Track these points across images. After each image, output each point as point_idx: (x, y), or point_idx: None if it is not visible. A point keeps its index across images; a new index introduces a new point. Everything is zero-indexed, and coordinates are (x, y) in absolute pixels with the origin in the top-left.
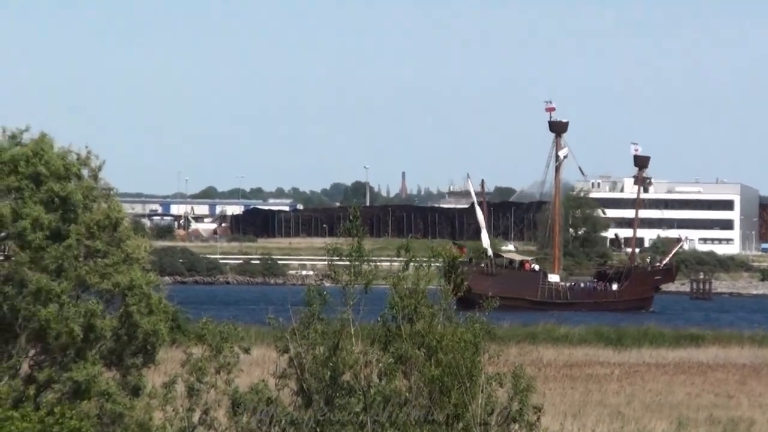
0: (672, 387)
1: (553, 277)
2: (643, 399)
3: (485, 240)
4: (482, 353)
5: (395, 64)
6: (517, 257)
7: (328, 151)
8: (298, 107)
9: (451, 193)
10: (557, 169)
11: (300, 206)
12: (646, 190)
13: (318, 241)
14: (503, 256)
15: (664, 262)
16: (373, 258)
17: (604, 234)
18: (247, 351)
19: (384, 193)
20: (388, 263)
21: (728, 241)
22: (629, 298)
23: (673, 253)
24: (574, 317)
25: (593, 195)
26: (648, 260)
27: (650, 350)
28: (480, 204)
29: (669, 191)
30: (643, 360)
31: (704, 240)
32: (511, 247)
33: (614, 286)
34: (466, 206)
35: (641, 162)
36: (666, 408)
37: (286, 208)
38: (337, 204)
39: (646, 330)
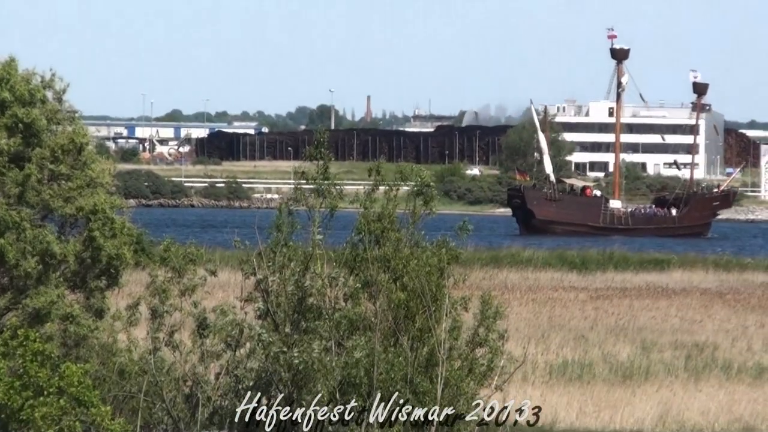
0: (636, 311)
1: (615, 203)
2: (608, 323)
3: (548, 166)
4: (447, 277)
5: None
6: (579, 183)
7: (294, 74)
8: (263, 30)
9: (416, 117)
10: (619, 95)
11: (265, 129)
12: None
13: (283, 165)
14: (565, 182)
15: (722, 188)
16: (339, 182)
17: (569, 158)
18: (213, 273)
19: (349, 117)
20: (353, 187)
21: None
22: (689, 224)
23: (731, 178)
24: (637, 242)
25: (558, 119)
26: (705, 186)
27: (615, 274)
28: (542, 130)
29: (634, 115)
30: (608, 284)
31: (669, 164)
32: (476, 171)
33: (673, 212)
34: (431, 130)
35: (700, 89)
36: (630, 332)
37: (251, 132)
38: (302, 127)
39: (610, 254)
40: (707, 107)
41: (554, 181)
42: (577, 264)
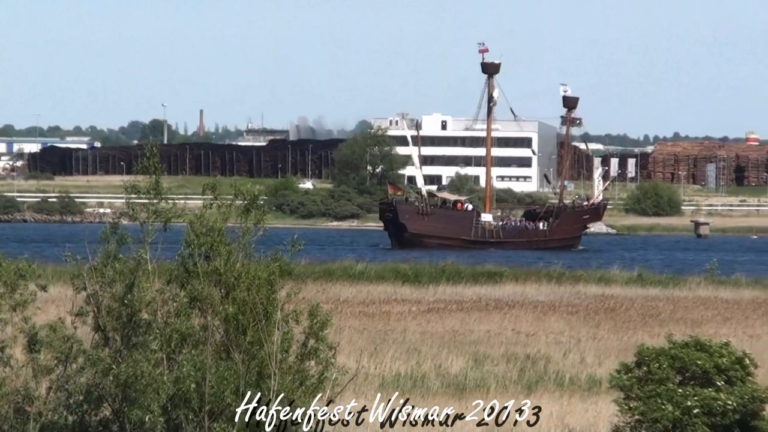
0: (469, 324)
1: (486, 217)
2: (441, 336)
3: (419, 180)
4: (278, 291)
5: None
6: (451, 197)
7: (126, 89)
8: (94, 44)
9: (249, 131)
10: (490, 110)
11: (98, 144)
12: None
13: (116, 179)
14: (437, 196)
15: (592, 201)
16: (171, 196)
17: (401, 171)
18: (44, 288)
19: (182, 131)
20: (184, 201)
21: (526, 178)
22: (559, 237)
23: (601, 190)
24: (508, 256)
25: (391, 133)
26: (575, 199)
27: (447, 287)
28: (415, 144)
29: (467, 128)
30: (441, 297)
31: (502, 177)
32: (309, 184)
33: (541, 225)
34: (264, 144)
35: (570, 103)
36: (463, 345)
37: (84, 146)
38: (135, 142)
39: (443, 267)
40: (577, 121)
41: (426, 194)
42: (409, 277)
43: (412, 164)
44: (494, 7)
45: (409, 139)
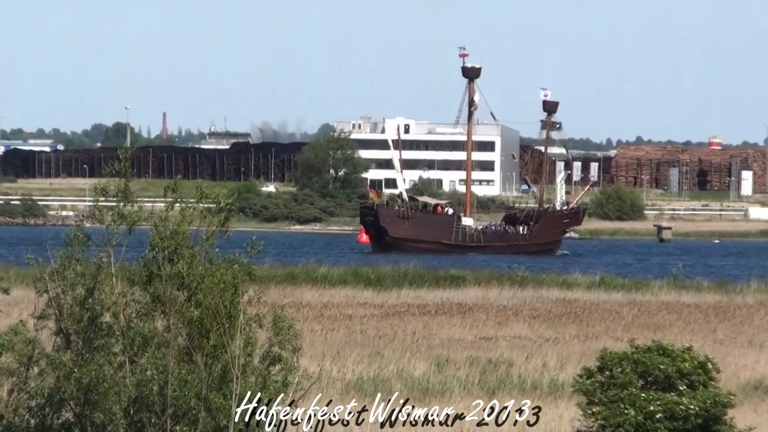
0: (432, 328)
1: (467, 221)
2: (403, 340)
3: (401, 184)
4: (242, 294)
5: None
6: (432, 201)
7: (89, 91)
8: (58, 46)
9: (212, 134)
10: (471, 114)
11: (61, 147)
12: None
13: (79, 182)
14: (417, 200)
15: (572, 206)
16: (138, 199)
17: (364, 175)
18: (6, 291)
19: (145, 134)
20: (150, 204)
21: (489, 182)
22: (540, 241)
23: (580, 195)
24: (487, 260)
25: (354, 136)
26: (554, 204)
27: (410, 291)
28: (395, 148)
29: (430, 132)
30: (404, 301)
31: (463, 181)
32: (271, 188)
33: (521, 229)
34: (227, 147)
35: (550, 107)
36: (425, 349)
37: (47, 149)
38: (98, 145)
39: (405, 271)
40: (557, 125)
41: (407, 198)
42: (372, 281)
43: (393, 167)
44: (461, 11)
45: (390, 143)
